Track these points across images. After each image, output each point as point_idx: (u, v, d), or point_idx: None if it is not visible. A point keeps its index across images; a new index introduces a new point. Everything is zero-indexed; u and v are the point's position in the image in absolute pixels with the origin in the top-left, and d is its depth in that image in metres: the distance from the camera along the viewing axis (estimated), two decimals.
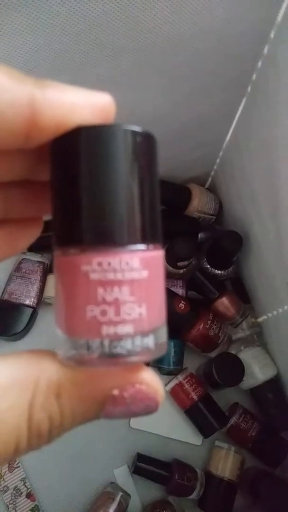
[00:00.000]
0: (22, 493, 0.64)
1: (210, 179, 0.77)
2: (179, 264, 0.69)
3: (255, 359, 0.69)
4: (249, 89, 0.56)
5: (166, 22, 0.42)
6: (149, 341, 0.17)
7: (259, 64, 0.52)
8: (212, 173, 0.75)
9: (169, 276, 0.73)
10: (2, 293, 0.69)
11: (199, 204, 0.71)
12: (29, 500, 0.64)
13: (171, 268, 0.71)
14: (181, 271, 0.71)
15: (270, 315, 0.68)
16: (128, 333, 0.16)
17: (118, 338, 0.16)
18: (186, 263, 0.69)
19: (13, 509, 0.63)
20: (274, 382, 0.69)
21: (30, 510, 0.63)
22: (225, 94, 0.56)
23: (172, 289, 0.71)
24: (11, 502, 0.63)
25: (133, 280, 0.16)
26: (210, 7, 0.42)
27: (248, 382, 0.68)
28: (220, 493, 0.64)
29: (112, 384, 0.17)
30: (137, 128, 0.17)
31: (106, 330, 0.16)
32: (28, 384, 0.17)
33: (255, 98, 0.55)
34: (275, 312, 0.65)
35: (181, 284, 0.72)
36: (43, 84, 0.16)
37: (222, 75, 0.52)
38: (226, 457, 0.66)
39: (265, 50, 0.50)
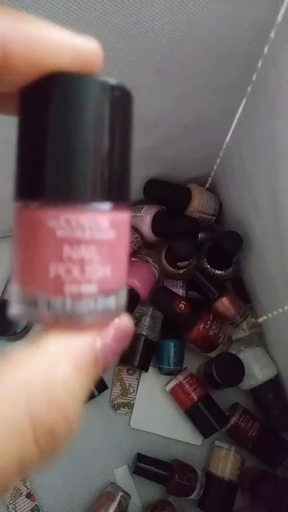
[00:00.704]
0: (22, 493, 0.64)
1: (210, 179, 0.77)
2: (179, 264, 0.69)
3: (255, 359, 0.69)
4: (249, 89, 0.55)
5: (165, 22, 0.42)
6: (111, 302, 0.17)
7: (259, 64, 0.51)
8: (212, 173, 0.75)
9: (169, 276, 0.73)
10: (2, 293, 0.69)
11: (199, 204, 0.71)
12: (29, 500, 0.64)
13: (171, 269, 0.71)
14: (181, 271, 0.71)
15: (270, 315, 0.68)
16: (91, 293, 0.16)
17: (80, 297, 0.16)
18: (186, 263, 0.69)
19: (13, 509, 0.63)
20: (274, 382, 0.69)
21: (30, 510, 0.63)
22: (225, 95, 0.56)
23: (172, 289, 0.71)
24: (11, 502, 0.63)
25: (101, 240, 0.16)
26: (210, 7, 0.42)
27: (248, 382, 0.68)
28: (220, 493, 0.64)
29: (91, 336, 0.17)
30: (113, 81, 0.16)
31: (69, 288, 0.16)
32: (16, 386, 0.14)
33: (255, 98, 0.55)
34: (275, 312, 0.65)
35: (181, 284, 0.72)
36: (18, 17, 0.14)
37: (222, 75, 0.52)
38: (226, 457, 0.66)
39: (265, 50, 0.50)
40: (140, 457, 0.65)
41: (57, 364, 0.15)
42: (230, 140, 0.65)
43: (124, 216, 0.17)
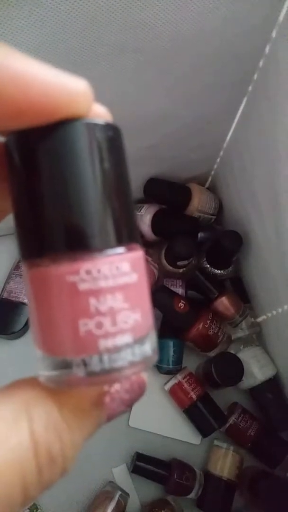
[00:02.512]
0: None
1: (210, 178, 0.77)
2: (179, 263, 0.69)
3: (254, 358, 0.69)
4: (250, 88, 0.55)
5: (168, 21, 0.42)
6: (147, 347, 0.16)
7: (261, 63, 0.51)
8: (213, 172, 0.75)
9: (169, 275, 0.73)
10: (1, 291, 0.69)
11: (199, 203, 0.71)
12: None
13: (170, 268, 0.71)
14: (181, 270, 0.71)
15: (269, 314, 0.68)
16: (127, 343, 0.15)
17: (117, 350, 0.15)
18: (186, 262, 0.69)
19: None
20: (273, 382, 0.69)
21: (29, 509, 0.63)
22: (226, 94, 0.56)
23: (172, 288, 0.71)
24: None
25: (125, 285, 0.15)
26: (212, 6, 0.42)
27: (247, 381, 0.68)
28: (218, 492, 0.64)
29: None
30: (100, 121, 0.16)
31: (104, 343, 0.15)
32: (19, 413, 0.14)
33: (256, 98, 0.55)
34: (274, 312, 0.65)
35: (180, 284, 0.72)
36: (5, 54, 0.13)
37: (223, 74, 0.52)
38: (224, 457, 0.66)
39: (267, 49, 0.50)
40: (139, 456, 0.65)
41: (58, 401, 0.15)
42: (231, 139, 0.65)
43: (140, 254, 0.16)
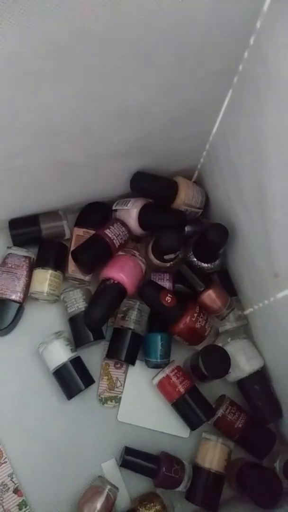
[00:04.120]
0: (9, 488, 0.63)
1: (197, 172, 0.76)
2: (166, 257, 0.69)
3: (242, 351, 0.69)
4: (235, 80, 0.55)
5: (150, 13, 0.42)
6: None
7: (246, 54, 0.51)
8: (199, 166, 0.75)
9: (156, 269, 0.73)
10: None
11: (186, 197, 0.71)
12: (16, 496, 0.63)
13: (158, 262, 0.71)
14: (168, 264, 0.71)
15: (256, 307, 0.68)
16: None
17: None
18: (172, 256, 0.69)
19: (0, 504, 0.62)
20: (260, 374, 0.69)
21: (17, 505, 0.63)
22: (211, 85, 0.56)
23: (159, 282, 0.71)
24: None
25: None
26: None
27: (235, 374, 0.69)
28: (207, 484, 0.65)
29: None
30: None
31: None
32: None
33: (241, 89, 0.55)
34: (261, 304, 0.66)
35: (168, 277, 0.72)
36: None
37: (208, 66, 0.52)
38: (213, 449, 0.66)
39: (251, 40, 0.49)
40: (127, 451, 0.65)
41: None
42: (217, 132, 0.64)
43: None
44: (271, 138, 0.50)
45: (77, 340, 0.68)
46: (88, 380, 0.67)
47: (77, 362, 0.67)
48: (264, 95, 0.49)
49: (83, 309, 0.68)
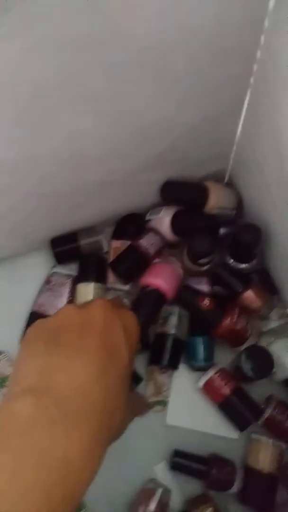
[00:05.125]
0: None
1: (228, 174, 0.77)
2: (201, 261, 0.69)
3: (287, 349, 0.68)
4: (252, 80, 0.55)
5: (156, 29, 0.43)
6: None
7: (258, 54, 0.51)
8: (229, 168, 0.75)
9: (193, 274, 0.74)
10: (33, 304, 0.72)
11: (217, 200, 0.71)
12: None
13: (193, 266, 0.72)
14: (204, 268, 0.72)
15: None
16: None
17: None
18: (207, 260, 0.69)
19: None
20: None
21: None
22: (228, 89, 0.56)
23: (198, 286, 0.72)
24: None
25: None
26: (198, 6, 0.43)
27: (281, 373, 0.68)
28: (260, 486, 0.64)
29: None
30: None
31: None
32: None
33: (258, 89, 0.55)
34: None
35: (205, 281, 0.73)
36: None
37: (222, 71, 0.53)
38: (264, 450, 0.66)
39: (262, 39, 0.49)
40: (177, 453, 0.66)
41: None
42: (241, 134, 0.65)
43: None
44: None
45: None
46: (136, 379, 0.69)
47: None
48: (278, 93, 0.49)
49: None
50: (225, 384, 0.67)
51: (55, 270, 0.74)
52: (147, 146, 0.60)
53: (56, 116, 0.48)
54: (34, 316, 0.71)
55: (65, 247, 0.75)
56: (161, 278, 0.69)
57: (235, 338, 0.67)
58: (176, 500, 0.67)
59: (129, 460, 0.70)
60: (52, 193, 0.62)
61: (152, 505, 0.62)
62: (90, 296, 0.71)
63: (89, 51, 0.42)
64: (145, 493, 0.64)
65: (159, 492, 0.64)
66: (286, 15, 0.44)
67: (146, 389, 0.72)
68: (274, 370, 0.65)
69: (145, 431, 0.71)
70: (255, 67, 0.53)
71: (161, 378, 0.73)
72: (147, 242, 0.70)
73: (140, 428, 0.71)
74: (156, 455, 0.70)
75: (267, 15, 0.47)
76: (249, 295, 0.68)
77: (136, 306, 0.69)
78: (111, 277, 0.74)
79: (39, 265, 0.77)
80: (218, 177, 0.76)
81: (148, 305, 0.68)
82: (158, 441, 0.70)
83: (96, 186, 0.64)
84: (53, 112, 0.47)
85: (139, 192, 0.72)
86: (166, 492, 0.65)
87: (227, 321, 0.65)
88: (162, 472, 0.69)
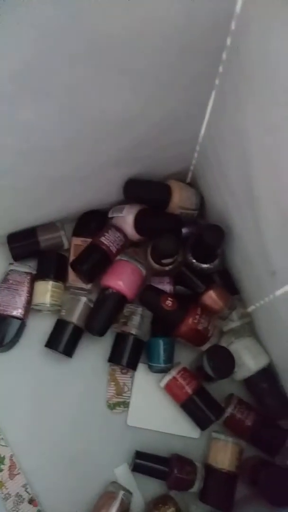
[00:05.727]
0: (24, 499, 0.65)
1: (190, 173, 0.77)
2: (164, 261, 0.69)
3: (247, 349, 0.69)
4: (217, 81, 0.55)
5: (122, 25, 0.42)
6: None
7: (224, 56, 0.51)
8: (192, 167, 0.75)
9: (156, 273, 0.74)
10: None
11: (180, 200, 0.71)
12: (31, 506, 0.64)
13: (157, 266, 0.71)
14: (167, 268, 0.71)
15: (258, 304, 0.68)
16: None
17: None
18: (171, 260, 0.69)
19: None
20: (267, 371, 0.69)
21: None
22: (192, 89, 0.56)
23: (160, 286, 0.71)
24: (13, 509, 0.64)
25: None
26: (166, 2, 0.42)
27: (241, 373, 0.69)
28: (220, 484, 0.65)
29: None
30: None
31: None
32: None
33: (223, 90, 0.55)
34: (262, 302, 0.66)
35: (168, 281, 0.72)
36: None
37: (187, 70, 0.52)
38: (224, 449, 0.66)
39: (228, 41, 0.50)
40: (138, 455, 0.66)
41: None
42: (205, 134, 0.65)
43: None
44: (252, 137, 0.50)
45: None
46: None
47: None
48: (243, 95, 0.49)
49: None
50: (187, 384, 0.67)
51: (12, 267, 0.71)
52: (110, 141, 0.59)
53: (15, 108, 0.46)
54: None
55: (22, 243, 0.72)
56: (121, 280, 0.68)
57: (197, 338, 0.67)
58: (137, 502, 0.67)
59: (89, 462, 0.68)
60: (7, 186, 0.59)
61: (114, 509, 0.61)
62: (47, 295, 0.69)
63: (50, 42, 0.40)
64: (106, 497, 0.63)
65: (120, 495, 0.63)
66: (252, 18, 0.44)
67: (107, 390, 0.71)
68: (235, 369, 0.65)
69: (106, 433, 0.70)
70: (220, 68, 0.53)
71: (123, 378, 0.72)
72: (109, 240, 0.69)
73: (101, 430, 0.70)
74: (117, 457, 0.69)
75: (234, 18, 0.47)
76: (211, 296, 0.69)
77: (95, 309, 0.68)
78: (71, 276, 0.72)
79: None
80: (181, 177, 0.76)
81: (107, 307, 0.68)
82: (119, 443, 0.70)
83: (58, 180, 0.62)
84: (11, 103, 0.45)
85: (102, 189, 0.70)
86: (127, 494, 0.64)
87: (189, 321, 0.65)
88: (122, 474, 0.68)
